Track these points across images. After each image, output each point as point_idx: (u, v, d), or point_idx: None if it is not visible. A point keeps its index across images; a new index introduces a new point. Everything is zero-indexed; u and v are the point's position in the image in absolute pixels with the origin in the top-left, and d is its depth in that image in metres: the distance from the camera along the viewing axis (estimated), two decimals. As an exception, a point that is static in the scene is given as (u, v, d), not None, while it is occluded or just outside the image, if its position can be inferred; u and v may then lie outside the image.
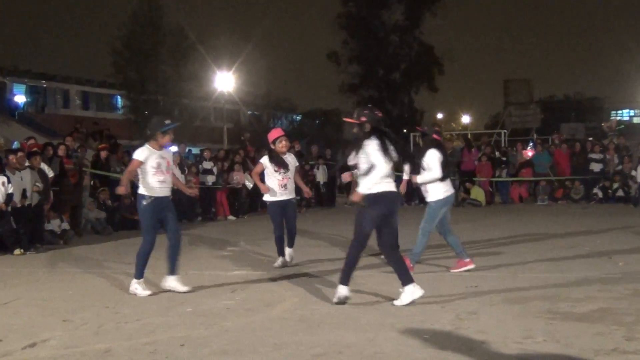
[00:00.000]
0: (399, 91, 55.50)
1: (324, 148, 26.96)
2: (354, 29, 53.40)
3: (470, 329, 6.18)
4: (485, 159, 22.99)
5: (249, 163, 20.83)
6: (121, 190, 8.79)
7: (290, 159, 10.36)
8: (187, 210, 18.85)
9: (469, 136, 34.37)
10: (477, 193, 21.91)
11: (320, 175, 23.44)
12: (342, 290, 7.39)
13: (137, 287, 8.31)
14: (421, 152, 9.33)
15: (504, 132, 33.81)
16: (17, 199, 12.71)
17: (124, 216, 16.51)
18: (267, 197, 10.36)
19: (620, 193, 21.31)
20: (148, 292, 8.26)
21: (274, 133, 10.38)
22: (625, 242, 11.87)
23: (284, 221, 10.33)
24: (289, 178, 10.27)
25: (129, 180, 8.85)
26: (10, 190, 12.56)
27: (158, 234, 8.38)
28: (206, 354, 5.67)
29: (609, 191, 21.64)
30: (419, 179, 9.29)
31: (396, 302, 7.24)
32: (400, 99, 55.73)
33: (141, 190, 8.38)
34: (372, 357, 5.42)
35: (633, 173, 20.56)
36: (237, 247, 12.88)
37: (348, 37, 54.00)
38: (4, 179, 12.55)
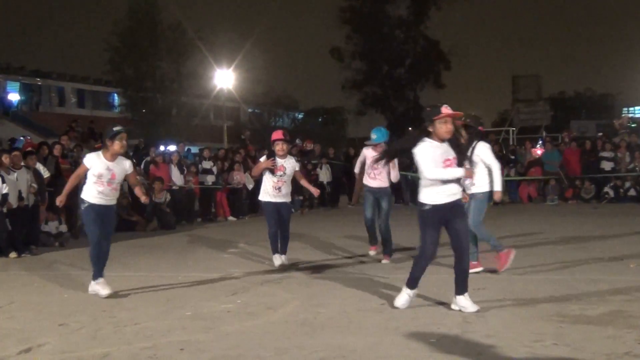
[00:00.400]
0: (404, 88, 55.45)
1: (327, 147, 26.97)
2: (358, 24, 53.35)
3: (478, 332, 6.18)
4: (493, 157, 22.93)
5: (250, 162, 20.85)
6: (60, 200, 8.83)
7: (289, 164, 10.41)
8: (186, 211, 18.90)
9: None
10: (485, 193, 21.86)
11: (324, 175, 23.43)
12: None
13: (97, 288, 8.54)
14: (467, 147, 8.89)
15: (512, 130, 33.83)
16: (12, 199, 12.73)
17: (121, 217, 16.52)
18: (261, 197, 10.48)
19: (632, 192, 21.32)
20: (108, 292, 8.44)
21: (274, 135, 10.51)
22: (637, 243, 11.85)
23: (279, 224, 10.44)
24: (285, 182, 10.37)
25: (73, 187, 8.87)
26: (5, 191, 12.59)
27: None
28: (206, 358, 5.68)
29: (621, 190, 21.63)
30: (497, 186, 9.02)
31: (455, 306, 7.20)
32: (406, 95, 55.68)
33: (82, 194, 8.62)
34: (376, 362, 5.43)
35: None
36: (237, 248, 12.89)
37: (351, 32, 53.95)
38: (-2, 179, 12.58)
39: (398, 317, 6.90)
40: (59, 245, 13.97)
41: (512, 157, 24.37)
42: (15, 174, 12.92)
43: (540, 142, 30.18)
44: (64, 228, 14.66)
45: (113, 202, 8.75)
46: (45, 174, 14.34)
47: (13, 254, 12.44)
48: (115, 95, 46.99)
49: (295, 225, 13.48)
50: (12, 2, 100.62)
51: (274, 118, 57.90)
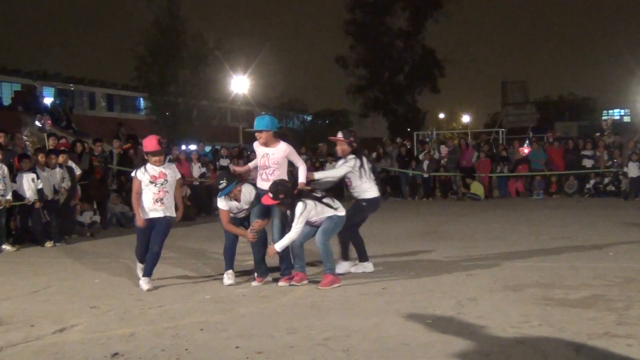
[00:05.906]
0: (403, 92, 55.40)
1: (333, 147, 26.96)
2: (361, 35, 53.35)
3: (471, 314, 6.16)
4: (483, 155, 23.02)
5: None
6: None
7: (170, 170, 8.23)
8: (205, 204, 18.90)
9: (469, 135, 34.35)
10: (477, 188, 21.89)
11: (330, 172, 23.41)
12: None
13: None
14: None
15: (502, 131, 33.79)
16: (47, 192, 12.80)
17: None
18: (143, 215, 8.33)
19: (611, 187, 21.37)
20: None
21: (149, 145, 8.06)
22: (615, 233, 11.81)
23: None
24: (167, 192, 8.11)
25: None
26: (40, 186, 12.64)
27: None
28: (224, 337, 5.67)
29: (600, 186, 21.65)
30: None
31: None
32: (405, 99, 55.65)
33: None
34: (378, 341, 5.41)
35: (625, 169, 20.52)
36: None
37: (355, 42, 53.97)
38: (33, 175, 12.62)
39: (398, 300, 6.88)
40: (90, 235, 14.01)
41: (504, 154, 24.35)
42: (49, 172, 12.99)
43: (527, 142, 30.15)
44: (97, 218, 14.74)
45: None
46: (77, 170, 14.36)
47: (49, 243, 12.49)
48: (142, 99, 47.01)
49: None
50: (48, 17, 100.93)
51: (285, 120, 57.86)
